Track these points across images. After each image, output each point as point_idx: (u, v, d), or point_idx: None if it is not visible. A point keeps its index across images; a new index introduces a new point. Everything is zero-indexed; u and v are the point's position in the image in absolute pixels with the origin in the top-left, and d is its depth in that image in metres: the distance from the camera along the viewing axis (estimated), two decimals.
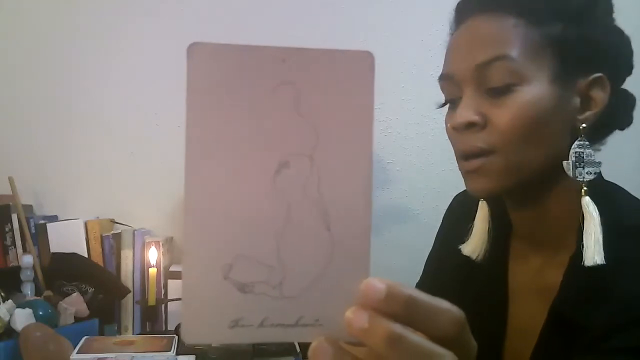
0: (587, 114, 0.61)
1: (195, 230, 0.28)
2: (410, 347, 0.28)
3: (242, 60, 0.29)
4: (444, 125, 0.67)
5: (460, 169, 0.64)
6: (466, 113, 0.60)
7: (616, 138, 0.67)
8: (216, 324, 0.28)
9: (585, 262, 0.57)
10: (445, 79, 0.65)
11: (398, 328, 0.28)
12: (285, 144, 0.28)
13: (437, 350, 0.29)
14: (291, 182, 0.28)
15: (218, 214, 0.28)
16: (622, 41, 0.64)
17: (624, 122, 0.66)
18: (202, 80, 0.28)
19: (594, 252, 0.57)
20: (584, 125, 0.60)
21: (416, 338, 0.28)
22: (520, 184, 0.61)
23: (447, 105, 0.68)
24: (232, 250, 0.28)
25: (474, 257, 0.70)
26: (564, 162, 0.60)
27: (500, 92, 0.59)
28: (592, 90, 0.61)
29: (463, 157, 0.62)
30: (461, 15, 0.65)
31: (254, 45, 0.29)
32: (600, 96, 0.61)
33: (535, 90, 0.58)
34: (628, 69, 0.65)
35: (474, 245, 0.70)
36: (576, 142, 0.60)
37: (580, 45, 0.60)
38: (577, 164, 0.60)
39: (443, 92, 0.67)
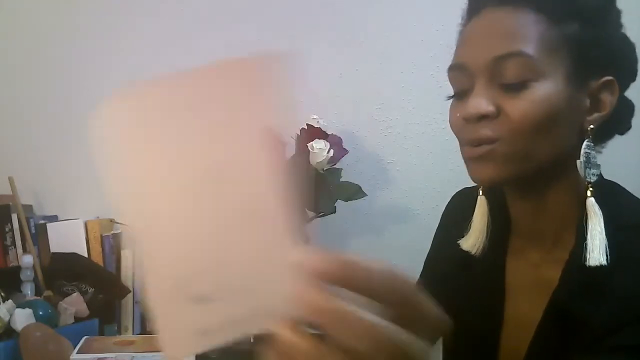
0: (595, 115, 0.62)
1: (148, 258, 0.31)
2: (351, 322, 0.29)
3: (148, 99, 0.31)
4: (447, 120, 0.67)
5: (464, 156, 0.64)
6: (479, 104, 0.60)
7: (618, 140, 0.68)
8: (187, 337, 0.31)
9: (590, 262, 0.58)
10: (457, 70, 0.64)
11: (336, 299, 0.29)
12: (198, 163, 0.31)
13: (377, 327, 0.29)
14: (213, 198, 0.30)
15: (160, 241, 0.31)
16: (629, 47, 0.65)
17: (624, 127, 0.68)
18: (110, 132, 0.31)
19: (599, 253, 0.57)
20: (591, 126, 0.61)
21: (355, 315, 0.29)
22: (522, 175, 0.61)
23: (453, 97, 0.67)
24: (183, 268, 0.31)
25: (473, 251, 0.70)
26: (577, 161, 0.61)
27: (515, 87, 0.59)
28: (602, 92, 0.62)
29: (470, 143, 0.62)
30: (476, 5, 0.65)
31: (153, 81, 0.31)
32: (609, 99, 0.62)
33: (550, 87, 0.59)
34: (633, 75, 0.65)
35: (473, 240, 0.70)
36: (585, 143, 0.61)
37: (594, 47, 0.60)
38: (585, 164, 0.60)
39: (452, 83, 0.66)
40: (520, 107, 0.58)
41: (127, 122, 0.31)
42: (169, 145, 0.31)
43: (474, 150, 0.62)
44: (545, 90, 0.59)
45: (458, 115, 0.63)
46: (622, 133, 0.67)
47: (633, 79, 0.65)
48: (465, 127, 0.62)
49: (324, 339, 0.29)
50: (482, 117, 0.60)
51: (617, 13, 0.65)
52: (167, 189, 0.31)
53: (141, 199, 0.31)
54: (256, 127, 0.30)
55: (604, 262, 0.57)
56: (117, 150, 0.31)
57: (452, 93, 0.67)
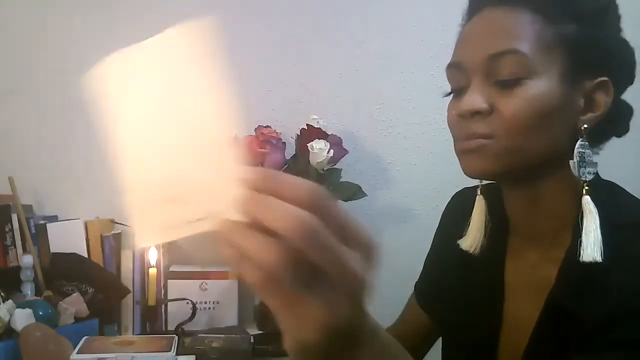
0: (589, 115, 0.62)
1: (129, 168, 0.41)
2: (276, 207, 0.34)
3: (127, 59, 0.45)
4: (445, 120, 0.67)
5: (457, 150, 0.65)
6: (473, 101, 0.61)
7: (617, 141, 0.68)
8: (155, 230, 0.39)
9: (584, 258, 0.58)
10: (454, 67, 0.65)
11: (266, 196, 0.34)
12: (159, 105, 0.41)
13: (290, 206, 0.34)
14: (177, 126, 0.40)
15: (140, 152, 0.41)
16: (628, 51, 0.66)
17: (622, 130, 0.68)
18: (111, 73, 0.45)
19: (593, 250, 0.58)
20: (585, 126, 0.62)
21: (272, 199, 0.34)
22: (513, 171, 0.62)
23: (451, 95, 0.68)
24: (156, 177, 0.40)
25: (471, 250, 0.71)
26: (571, 161, 0.61)
27: (509, 84, 0.60)
28: (596, 93, 0.62)
29: (463, 138, 0.63)
30: (476, 4, 0.66)
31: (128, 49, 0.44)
32: (603, 100, 0.62)
33: (544, 86, 0.59)
34: (630, 79, 0.66)
35: (471, 240, 0.71)
36: (579, 142, 0.61)
37: (590, 48, 0.61)
38: (580, 163, 0.61)
39: (449, 81, 0.67)
40: (513, 104, 0.59)
41: (118, 71, 0.44)
42: (145, 89, 0.42)
43: (466, 143, 0.62)
44: (539, 88, 0.59)
45: (453, 112, 0.64)
46: (619, 135, 0.68)
47: (630, 82, 0.66)
48: (460, 123, 0.63)
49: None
50: (476, 114, 0.61)
51: (616, 17, 0.65)
52: (145, 117, 0.41)
53: (129, 124, 0.41)
54: (204, 75, 0.39)
55: (598, 259, 0.57)
56: (111, 90, 0.43)
57: (450, 91, 0.68)
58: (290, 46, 1.45)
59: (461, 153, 0.64)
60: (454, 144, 0.66)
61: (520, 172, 0.63)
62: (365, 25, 1.47)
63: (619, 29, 0.66)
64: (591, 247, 0.58)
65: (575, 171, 0.61)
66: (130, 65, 0.43)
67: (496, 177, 0.66)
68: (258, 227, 0.34)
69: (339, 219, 0.35)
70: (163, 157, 0.40)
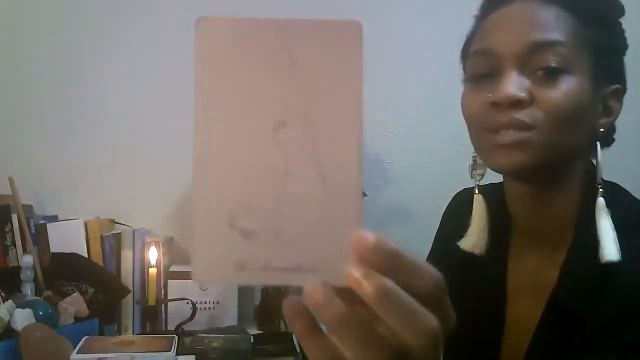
0: (604, 120, 0.63)
1: (203, 180, 0.31)
2: (397, 301, 0.30)
3: (243, 30, 0.32)
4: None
5: (488, 142, 0.62)
6: (514, 89, 0.59)
7: (616, 142, 0.69)
8: (222, 266, 0.31)
9: (605, 258, 0.57)
10: (484, 54, 0.63)
11: (389, 282, 0.30)
12: (282, 104, 0.31)
13: (421, 309, 0.30)
14: (288, 138, 0.31)
15: (223, 166, 0.31)
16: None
17: (610, 141, 0.69)
18: (208, 49, 0.32)
19: (613, 249, 0.58)
20: (602, 129, 0.63)
21: (403, 294, 0.30)
22: (546, 166, 0.61)
23: (468, 83, 0.66)
24: (237, 200, 0.31)
25: (475, 251, 0.69)
26: (594, 160, 0.62)
27: (550, 75, 0.59)
28: (611, 99, 0.64)
29: (497, 128, 0.60)
30: None
31: (252, 17, 0.33)
32: (616, 107, 0.64)
33: (579, 83, 0.60)
34: (624, 92, 0.67)
35: (474, 241, 0.70)
36: (598, 145, 0.62)
37: (612, 55, 0.63)
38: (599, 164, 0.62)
39: (472, 68, 0.65)
40: (555, 96, 0.59)
41: (233, 44, 0.32)
42: (260, 82, 0.32)
43: (503, 136, 0.60)
44: (576, 84, 0.59)
45: (486, 99, 0.61)
46: (607, 145, 0.68)
47: (623, 95, 0.67)
48: (492, 112, 0.60)
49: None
50: (516, 103, 0.59)
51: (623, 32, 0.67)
52: (246, 119, 0.31)
53: (218, 120, 0.31)
54: (350, 93, 0.32)
55: (618, 258, 0.57)
56: (214, 65, 0.32)
57: (461, 81, 0.67)
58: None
59: (497, 147, 0.61)
60: (482, 136, 0.62)
61: (548, 168, 0.62)
62: (364, 25, 1.46)
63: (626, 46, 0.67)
64: (611, 246, 0.58)
65: (598, 171, 0.62)
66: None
67: (531, 172, 0.62)
68: (364, 311, 0.30)
69: (445, 307, 0.33)
70: (255, 169, 0.31)
